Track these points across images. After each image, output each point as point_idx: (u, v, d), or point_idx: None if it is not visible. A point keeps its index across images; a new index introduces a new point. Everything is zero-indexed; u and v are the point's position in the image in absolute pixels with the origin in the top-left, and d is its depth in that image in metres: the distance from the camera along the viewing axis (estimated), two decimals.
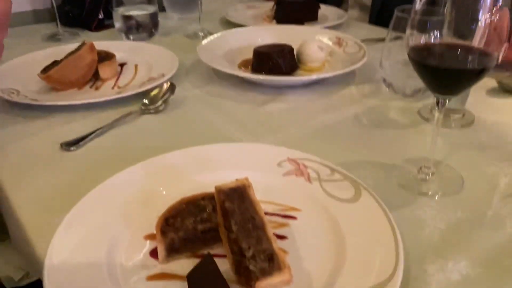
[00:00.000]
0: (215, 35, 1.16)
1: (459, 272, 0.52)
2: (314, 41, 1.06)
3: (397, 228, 0.54)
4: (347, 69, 0.98)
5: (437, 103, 0.64)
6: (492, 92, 0.96)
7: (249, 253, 0.47)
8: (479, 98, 0.93)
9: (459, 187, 0.67)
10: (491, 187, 0.67)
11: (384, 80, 0.97)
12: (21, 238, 0.62)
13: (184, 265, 0.52)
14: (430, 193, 0.65)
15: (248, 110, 0.91)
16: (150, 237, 0.57)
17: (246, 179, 0.54)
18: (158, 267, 0.53)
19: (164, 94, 0.92)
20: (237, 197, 0.51)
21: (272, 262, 0.46)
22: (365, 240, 0.54)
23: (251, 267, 0.46)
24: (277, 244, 0.48)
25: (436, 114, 0.65)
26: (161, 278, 0.51)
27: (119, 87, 0.98)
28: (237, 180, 0.53)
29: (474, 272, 0.52)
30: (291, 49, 1.05)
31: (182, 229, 0.53)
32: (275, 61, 1.02)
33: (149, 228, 0.57)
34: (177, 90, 0.93)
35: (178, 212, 0.56)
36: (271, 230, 0.49)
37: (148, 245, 0.56)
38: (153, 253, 0.54)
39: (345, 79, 1.02)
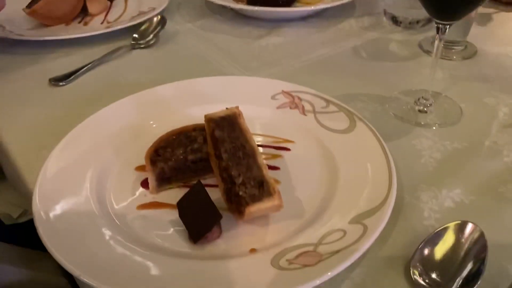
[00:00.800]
0: None
1: (452, 200, 0.52)
2: None
3: (390, 156, 0.53)
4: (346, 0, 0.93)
5: (437, 30, 0.61)
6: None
7: (239, 180, 0.46)
8: (482, 29, 0.89)
9: (457, 118, 0.65)
10: (490, 117, 0.65)
11: (385, 12, 0.93)
12: (13, 174, 0.61)
13: (175, 194, 0.52)
14: (427, 124, 0.64)
15: (242, 44, 0.87)
16: (141, 168, 0.56)
17: (237, 107, 0.52)
18: (148, 196, 0.52)
19: (155, 28, 0.89)
20: (227, 125, 0.50)
21: (262, 189, 0.45)
22: (358, 168, 0.53)
23: (241, 193, 0.45)
24: (267, 171, 0.47)
25: (436, 42, 0.62)
26: (151, 207, 0.51)
27: (108, 22, 0.94)
28: (227, 108, 0.52)
29: (467, 199, 0.52)
30: None
31: (172, 159, 0.52)
32: None
33: (141, 159, 0.56)
34: (168, 24, 0.89)
35: (168, 142, 0.55)
36: (261, 158, 0.48)
37: (139, 176, 0.55)
38: (144, 183, 0.54)
39: (344, 12, 0.98)
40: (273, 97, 0.66)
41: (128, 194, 0.53)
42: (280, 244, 0.45)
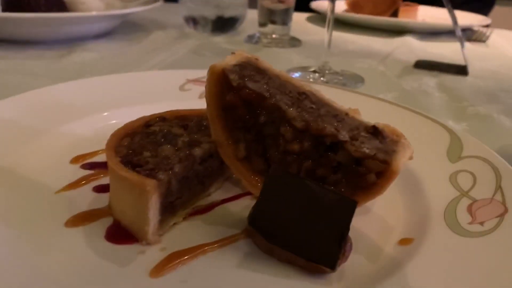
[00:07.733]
0: None
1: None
2: None
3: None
4: (145, 8, 0.77)
5: None
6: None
7: (344, 136, 0.26)
8: (297, 26, 0.91)
9: (361, 79, 0.61)
10: (381, 73, 0.65)
11: (189, 19, 0.82)
12: None
13: (187, 234, 0.27)
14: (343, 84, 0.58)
15: (48, 63, 0.60)
16: (75, 222, 0.27)
17: (242, 50, 0.31)
18: (151, 252, 0.25)
19: None
20: (255, 73, 0.29)
21: (382, 137, 0.27)
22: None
23: (367, 150, 0.26)
24: (360, 115, 0.29)
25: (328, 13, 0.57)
26: (172, 261, 0.24)
27: None
28: (233, 53, 0.31)
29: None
30: None
31: (174, 162, 0.26)
32: (34, 3, 0.71)
33: (47, 222, 0.28)
34: None
35: (136, 146, 0.28)
36: (336, 102, 0.30)
37: (84, 235, 0.26)
38: (115, 236, 0.26)
39: (142, 28, 0.83)
40: (181, 88, 0.47)
41: (113, 271, 0.24)
42: (427, 216, 0.28)
